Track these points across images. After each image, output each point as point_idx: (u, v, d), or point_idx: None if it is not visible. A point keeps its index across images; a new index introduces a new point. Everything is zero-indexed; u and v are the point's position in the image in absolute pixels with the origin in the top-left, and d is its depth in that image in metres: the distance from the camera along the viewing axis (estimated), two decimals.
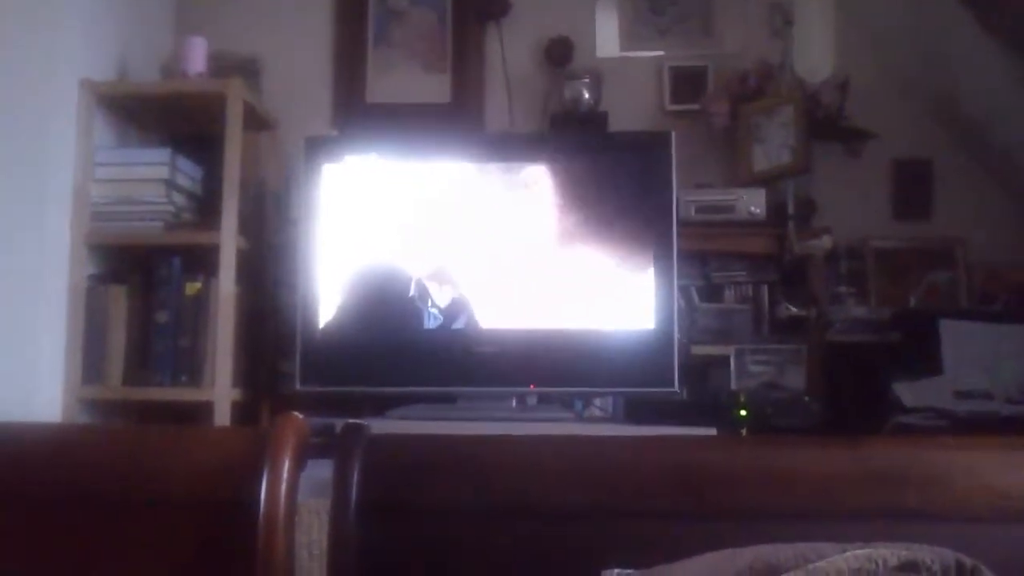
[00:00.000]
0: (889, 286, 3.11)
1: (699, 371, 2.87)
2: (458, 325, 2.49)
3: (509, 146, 2.68)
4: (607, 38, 3.38)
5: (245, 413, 2.81)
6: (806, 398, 2.73)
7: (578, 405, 2.77)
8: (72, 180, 2.71)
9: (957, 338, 2.64)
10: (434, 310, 2.50)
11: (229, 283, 2.73)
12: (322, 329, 2.53)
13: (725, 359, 2.86)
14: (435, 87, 3.37)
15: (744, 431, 2.55)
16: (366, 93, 3.39)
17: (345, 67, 3.41)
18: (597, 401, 2.79)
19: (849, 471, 1.22)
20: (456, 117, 3.32)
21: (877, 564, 0.94)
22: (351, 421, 1.28)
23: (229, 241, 2.74)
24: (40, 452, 1.35)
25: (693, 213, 2.93)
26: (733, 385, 2.81)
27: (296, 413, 1.27)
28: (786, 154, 3.02)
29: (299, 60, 3.40)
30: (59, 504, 1.30)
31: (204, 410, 2.68)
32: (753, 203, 2.94)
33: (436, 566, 1.24)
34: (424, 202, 2.57)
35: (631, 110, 3.23)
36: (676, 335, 2.48)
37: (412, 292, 2.50)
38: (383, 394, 2.54)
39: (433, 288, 2.50)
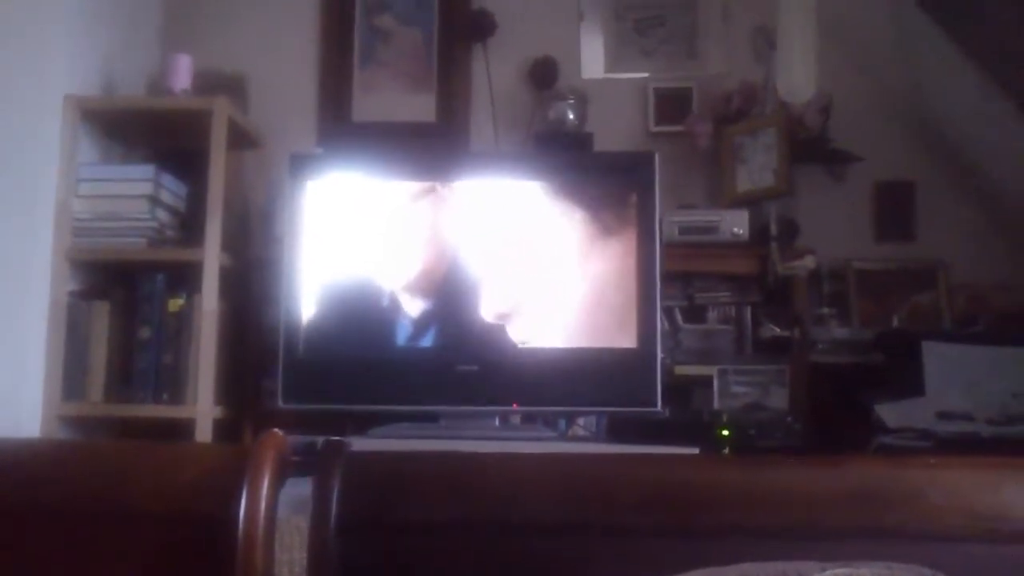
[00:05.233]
0: (872, 307, 3.13)
1: (682, 391, 2.88)
2: (429, 337, 2.48)
3: (493, 165, 2.68)
4: (592, 59, 3.39)
5: (227, 431, 2.80)
6: (789, 418, 2.74)
7: (561, 424, 2.77)
8: (55, 195, 2.71)
9: (939, 360, 2.65)
10: (404, 321, 2.49)
11: (212, 300, 2.73)
12: (304, 347, 2.52)
13: (708, 379, 2.87)
14: (420, 106, 3.38)
15: (727, 451, 2.56)
16: (352, 111, 3.39)
17: (331, 85, 3.41)
18: (580, 420, 2.79)
19: (830, 490, 1.22)
20: (441, 136, 3.33)
21: None
22: (331, 438, 1.28)
23: (212, 258, 2.74)
24: (19, 467, 1.34)
25: (677, 234, 2.94)
26: (716, 405, 2.82)
27: (277, 430, 1.27)
28: (769, 175, 3.04)
29: (285, 78, 3.40)
30: (37, 519, 1.29)
31: (186, 427, 2.67)
32: (736, 224, 2.95)
33: None
34: (408, 220, 2.56)
35: (615, 131, 3.24)
36: (659, 355, 2.48)
37: (385, 303, 2.49)
38: (366, 412, 2.52)
39: (405, 299, 2.50)
